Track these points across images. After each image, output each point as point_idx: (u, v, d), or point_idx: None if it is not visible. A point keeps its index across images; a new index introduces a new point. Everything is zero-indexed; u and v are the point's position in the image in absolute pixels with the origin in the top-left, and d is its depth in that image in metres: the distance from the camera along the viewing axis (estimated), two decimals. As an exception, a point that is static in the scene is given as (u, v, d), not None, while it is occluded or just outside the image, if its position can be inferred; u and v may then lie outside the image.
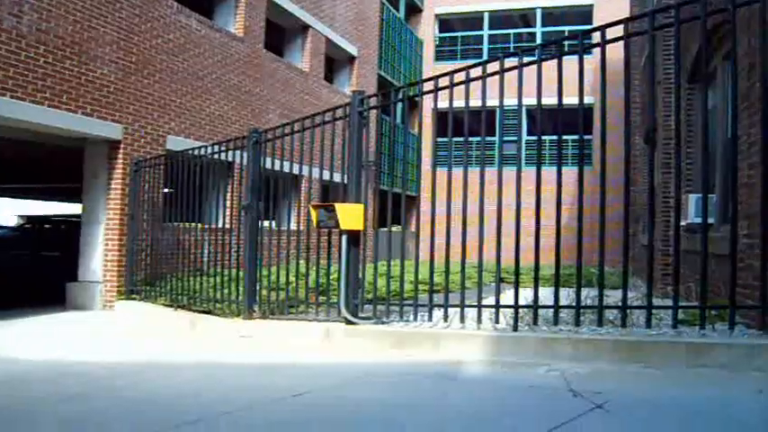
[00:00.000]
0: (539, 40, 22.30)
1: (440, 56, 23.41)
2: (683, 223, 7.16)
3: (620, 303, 4.49)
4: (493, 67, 5.20)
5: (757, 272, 4.27)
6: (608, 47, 4.74)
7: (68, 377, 4.71)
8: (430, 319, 5.27)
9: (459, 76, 5.38)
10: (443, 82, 5.48)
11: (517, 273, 4.96)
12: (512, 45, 22.64)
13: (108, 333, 7.24)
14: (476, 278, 5.41)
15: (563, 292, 4.85)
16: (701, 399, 3.50)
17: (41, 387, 4.45)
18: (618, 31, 4.73)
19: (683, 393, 3.61)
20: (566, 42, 5.34)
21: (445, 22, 24.04)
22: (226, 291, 7.20)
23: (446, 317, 5.18)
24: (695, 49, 7.28)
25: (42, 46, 8.24)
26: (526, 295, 5.09)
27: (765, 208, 4.25)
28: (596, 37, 4.86)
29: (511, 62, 5.13)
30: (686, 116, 8.64)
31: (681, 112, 8.74)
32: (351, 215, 5.66)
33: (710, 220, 6.98)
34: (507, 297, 5.14)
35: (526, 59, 4.99)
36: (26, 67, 8.01)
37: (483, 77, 5.21)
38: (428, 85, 5.65)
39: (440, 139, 17.32)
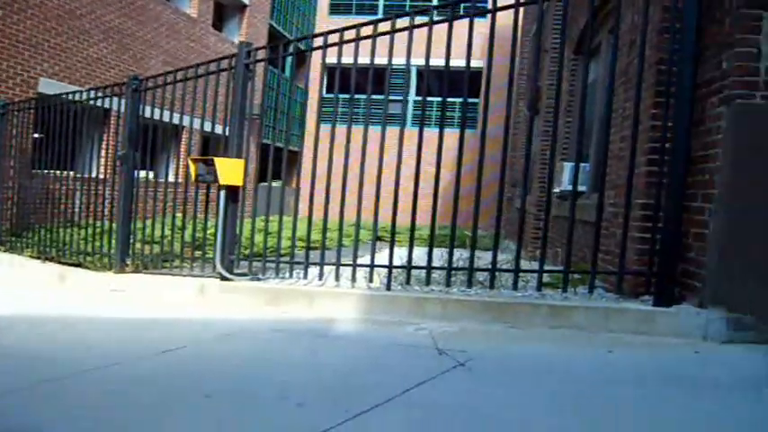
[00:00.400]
0: (435, 2, 22.44)
1: (335, 9, 23.15)
2: (556, 190, 7.44)
3: (490, 266, 4.63)
4: (384, 26, 5.16)
5: (619, 239, 4.49)
6: (500, 13, 4.80)
7: None
8: (305, 276, 5.28)
9: (350, 34, 5.31)
10: (333, 39, 5.41)
11: (393, 233, 5.02)
12: (408, 3, 22.65)
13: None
14: (354, 236, 5.43)
15: (438, 252, 4.95)
16: (557, 357, 3.68)
17: None
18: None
19: (541, 352, 3.79)
20: (461, 5, 5.34)
21: (342, -25, 23.78)
22: (97, 243, 6.94)
23: (321, 275, 5.19)
24: (583, 22, 7.48)
25: None
26: (402, 255, 5.16)
27: (630, 180, 4.47)
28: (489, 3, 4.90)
29: (403, 22, 5.10)
30: (569, 87, 8.91)
31: (563, 83, 9.04)
32: (231, 170, 5.54)
33: (583, 189, 7.30)
34: (384, 256, 5.20)
35: (417, 20, 4.98)
36: None
37: (373, 36, 5.17)
38: (318, 41, 5.57)
39: (327, 95, 17.18)
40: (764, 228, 3.87)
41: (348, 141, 5.18)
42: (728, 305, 3.89)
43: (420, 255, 5.13)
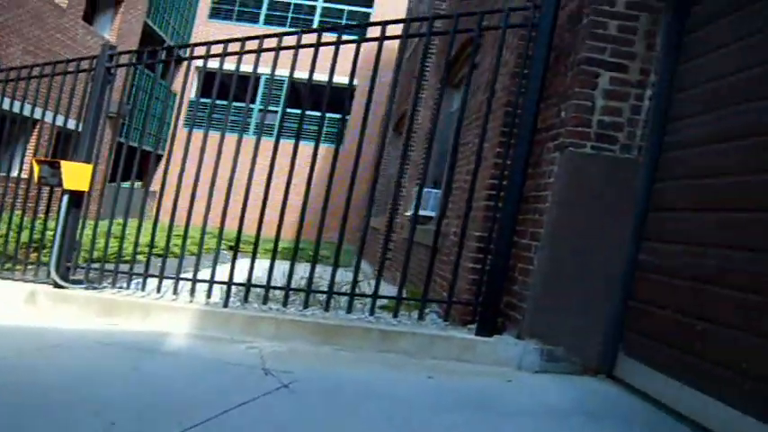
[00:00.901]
0: (318, 13, 22.56)
1: (215, 13, 22.84)
2: (408, 213, 7.67)
3: (327, 287, 4.73)
4: (269, 42, 5.13)
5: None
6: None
7: None
8: (143, 288, 5.18)
9: (220, 48, 5.30)
10: (199, 51, 5.38)
11: (237, 248, 5.00)
12: (290, 15, 22.66)
13: None
14: (210, 246, 5.40)
15: (294, 267, 4.94)
16: (379, 380, 3.80)
17: None
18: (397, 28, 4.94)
19: (366, 376, 3.89)
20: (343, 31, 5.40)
21: (226, -20, 23.50)
22: None
23: (160, 288, 5.11)
24: (452, 54, 7.76)
25: None
26: (262, 267, 5.11)
27: (468, 211, 4.68)
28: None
29: (290, 39, 5.09)
30: (432, 114, 9.20)
31: (425, 110, 9.29)
32: (77, 175, 5.35)
33: (432, 214, 7.57)
34: (241, 271, 5.14)
35: (305, 40, 4.99)
36: None
37: (257, 51, 5.12)
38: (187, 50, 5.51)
39: (193, 99, 16.87)
40: (577, 266, 4.16)
41: (203, 147, 5.13)
42: (543, 337, 4.15)
43: (265, 268, 5.13)
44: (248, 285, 4.83)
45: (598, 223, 4.17)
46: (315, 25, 22.44)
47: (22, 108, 6.35)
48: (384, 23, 4.85)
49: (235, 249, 4.97)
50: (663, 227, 3.94)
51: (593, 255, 4.15)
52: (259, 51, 5.07)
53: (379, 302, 4.88)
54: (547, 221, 4.25)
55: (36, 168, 5.52)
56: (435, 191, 7.49)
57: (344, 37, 4.94)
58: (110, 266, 5.42)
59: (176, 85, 18.85)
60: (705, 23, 3.94)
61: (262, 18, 22.55)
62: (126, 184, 7.87)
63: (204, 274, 5.12)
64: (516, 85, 4.80)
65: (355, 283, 4.75)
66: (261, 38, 5.16)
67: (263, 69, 5.09)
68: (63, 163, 5.35)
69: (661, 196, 4.04)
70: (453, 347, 4.25)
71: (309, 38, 4.99)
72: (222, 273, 5.11)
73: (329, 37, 5.16)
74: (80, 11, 14.71)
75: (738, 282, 3.18)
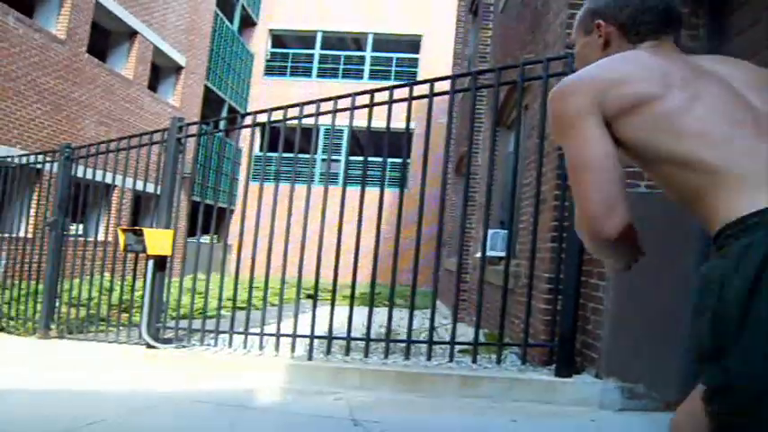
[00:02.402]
0: (368, 65, 23.08)
1: (270, 71, 23.54)
2: (478, 255, 7.77)
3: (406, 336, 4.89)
4: (326, 106, 5.44)
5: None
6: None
7: None
8: (230, 344, 5.41)
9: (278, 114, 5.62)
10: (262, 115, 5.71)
11: (315, 301, 5.18)
12: (341, 66, 23.23)
13: None
14: (289, 296, 5.66)
15: (364, 312, 5.11)
16: (463, 425, 3.92)
17: None
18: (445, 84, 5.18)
19: (450, 422, 4.02)
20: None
21: (279, 38, 24.24)
22: (22, 307, 6.92)
23: (246, 343, 5.33)
24: (502, 95, 7.93)
25: None
26: (341, 314, 5.26)
27: (533, 253, 4.80)
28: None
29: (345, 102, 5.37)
30: (490, 155, 9.34)
31: (470, 155, 9.41)
32: (159, 240, 5.66)
33: (502, 254, 7.65)
34: (319, 320, 5.29)
35: (358, 102, 5.27)
36: None
37: (316, 115, 5.48)
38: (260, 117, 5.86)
39: (258, 155, 17.44)
40: (647, 303, 4.22)
41: (275, 200, 5.38)
42: (622, 374, 4.21)
43: (357, 315, 5.30)
44: (330, 338, 5.02)
45: (662, 261, 4.24)
46: (366, 74, 22.92)
47: (104, 176, 6.79)
48: (432, 81, 5.11)
49: (314, 300, 5.17)
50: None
51: (662, 291, 4.21)
52: (317, 115, 5.41)
53: (458, 346, 4.99)
54: (613, 261, 4.32)
55: (121, 237, 5.87)
56: (504, 231, 7.58)
57: (395, 96, 5.20)
58: (196, 324, 5.67)
59: (241, 141, 19.54)
60: None
61: (314, 72, 23.18)
62: (204, 239, 8.20)
63: (286, 325, 5.28)
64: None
65: (432, 330, 4.89)
66: (317, 102, 5.48)
67: (323, 121, 5.38)
68: (146, 231, 5.69)
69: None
70: (534, 389, 4.33)
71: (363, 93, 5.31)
72: (303, 323, 5.29)
73: (381, 95, 5.38)
74: (145, 80, 15.46)
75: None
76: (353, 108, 5.27)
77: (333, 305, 5.14)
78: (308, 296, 10.31)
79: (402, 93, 5.23)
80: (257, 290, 7.60)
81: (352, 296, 5.03)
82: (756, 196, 1.26)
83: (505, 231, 7.72)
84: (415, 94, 5.23)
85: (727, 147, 1.34)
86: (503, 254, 7.67)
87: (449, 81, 5.45)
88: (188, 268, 6.60)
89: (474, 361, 4.69)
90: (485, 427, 3.92)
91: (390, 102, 5.18)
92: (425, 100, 5.09)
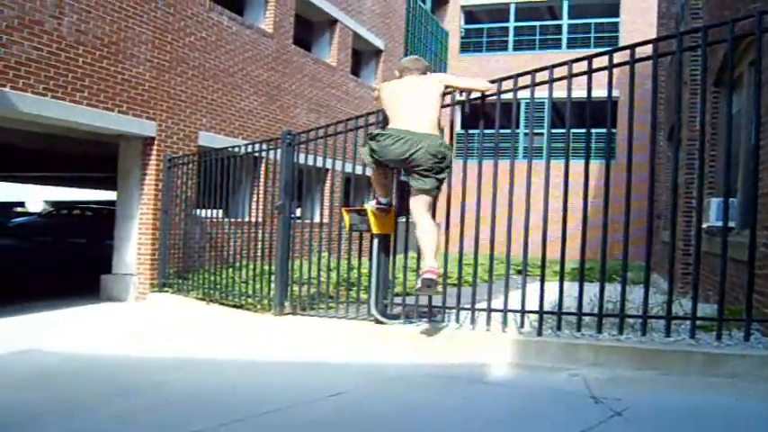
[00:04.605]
0: (565, 33, 22.31)
1: (465, 48, 23.46)
2: (704, 225, 7.29)
3: (641, 310, 4.68)
4: (524, 80, 5.35)
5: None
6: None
7: (126, 370, 5.13)
8: (457, 320, 5.48)
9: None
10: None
11: (543, 276, 5.10)
12: (537, 37, 22.66)
13: (148, 325, 7.51)
14: (501, 273, 5.68)
15: (588, 287, 4.97)
16: (714, 406, 3.70)
17: (97, 380, 4.77)
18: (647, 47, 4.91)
19: (697, 401, 3.81)
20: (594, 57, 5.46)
21: (471, 14, 24.04)
22: (257, 286, 7.46)
23: (473, 319, 5.38)
24: (722, 53, 7.36)
25: (81, 47, 8.48)
26: (551, 290, 5.17)
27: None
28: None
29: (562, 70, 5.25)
30: (711, 119, 8.71)
31: (706, 116, 8.84)
32: (382, 220, 5.84)
33: (732, 225, 7.12)
34: (531, 295, 5.21)
35: (557, 74, 5.13)
36: (66, 67, 8.26)
37: (514, 90, 5.39)
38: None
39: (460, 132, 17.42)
40: None
41: (495, 176, 5.34)
42: None
43: (569, 290, 5.18)
44: (560, 313, 4.94)
45: None
46: (564, 43, 22.20)
47: (316, 160, 7.16)
48: (633, 47, 4.85)
49: (541, 279, 5.10)
50: None
51: None
52: (515, 89, 5.36)
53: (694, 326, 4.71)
54: None
55: (346, 218, 6.13)
56: (731, 200, 7.05)
57: (594, 64, 4.99)
58: (422, 300, 5.78)
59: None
60: None
61: (510, 45, 22.81)
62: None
63: (500, 301, 5.23)
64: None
65: (670, 303, 4.65)
66: (515, 77, 5.38)
67: (522, 95, 5.27)
68: (370, 210, 5.88)
69: None
70: (790, 369, 4.00)
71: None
72: (515, 298, 5.23)
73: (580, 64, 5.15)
74: (347, 66, 16.01)
75: None
76: (552, 81, 5.13)
77: (561, 280, 5.05)
78: (517, 272, 10.26)
79: (602, 61, 5.02)
80: (467, 266, 7.66)
81: (582, 270, 4.91)
82: None
83: (733, 200, 7.18)
84: (616, 61, 5.00)
85: None
86: (732, 224, 7.16)
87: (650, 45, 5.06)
88: (400, 247, 6.77)
89: (719, 337, 4.40)
90: (740, 409, 3.68)
91: (590, 71, 4.99)
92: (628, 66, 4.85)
